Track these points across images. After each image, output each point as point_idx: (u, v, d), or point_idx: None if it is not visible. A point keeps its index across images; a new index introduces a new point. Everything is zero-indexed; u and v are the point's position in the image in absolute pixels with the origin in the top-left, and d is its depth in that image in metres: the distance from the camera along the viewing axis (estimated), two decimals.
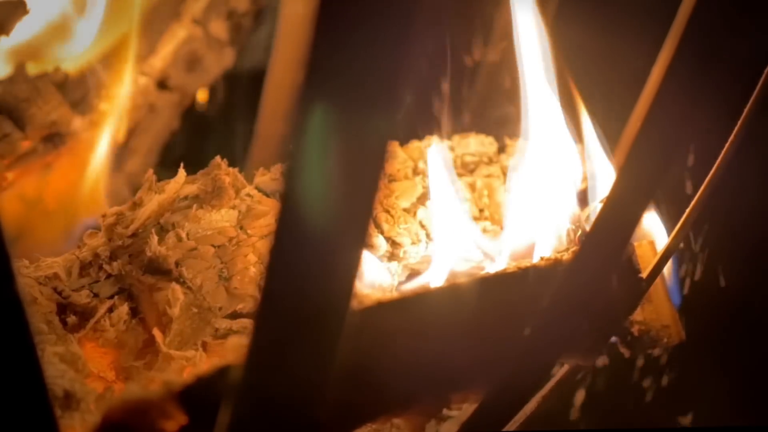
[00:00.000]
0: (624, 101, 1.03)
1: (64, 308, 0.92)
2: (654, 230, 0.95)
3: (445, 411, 0.93)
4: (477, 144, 1.10)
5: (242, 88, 1.37)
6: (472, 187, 1.06)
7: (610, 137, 1.02)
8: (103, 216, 0.96)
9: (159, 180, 0.97)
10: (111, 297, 0.93)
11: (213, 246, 0.93)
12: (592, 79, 1.07)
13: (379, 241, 0.98)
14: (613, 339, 0.92)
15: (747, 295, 1.25)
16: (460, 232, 0.99)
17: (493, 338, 0.85)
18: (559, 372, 0.94)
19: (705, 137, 0.73)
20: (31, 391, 0.66)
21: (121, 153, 1.27)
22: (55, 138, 1.16)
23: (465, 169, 1.08)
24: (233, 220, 0.95)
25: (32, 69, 1.15)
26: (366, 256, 0.95)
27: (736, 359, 1.26)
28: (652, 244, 0.92)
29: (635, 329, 0.90)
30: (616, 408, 1.24)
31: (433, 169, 1.01)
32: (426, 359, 0.82)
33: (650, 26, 0.98)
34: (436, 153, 1.01)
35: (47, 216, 1.20)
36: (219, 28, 1.32)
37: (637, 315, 0.90)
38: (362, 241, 0.60)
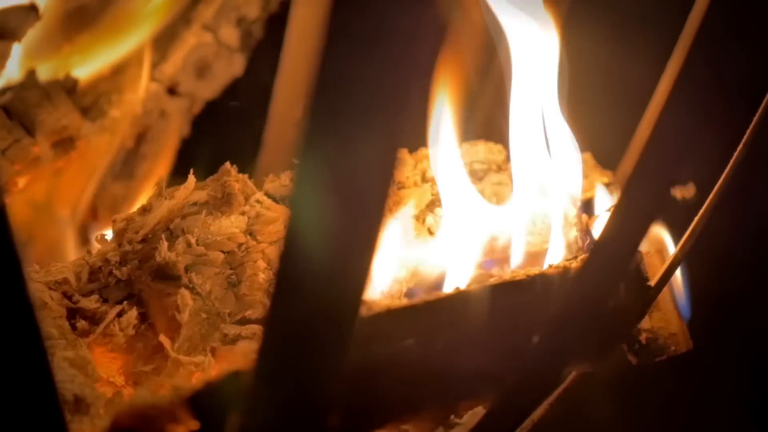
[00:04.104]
0: (633, 111, 1.04)
1: (73, 313, 0.92)
2: (662, 239, 0.95)
3: (453, 418, 0.93)
4: (486, 152, 1.10)
5: (251, 94, 1.38)
6: (481, 194, 1.06)
7: (618, 145, 1.03)
8: (113, 221, 0.96)
9: (169, 186, 0.97)
10: (120, 302, 0.93)
11: (222, 252, 0.93)
12: (600, 89, 1.07)
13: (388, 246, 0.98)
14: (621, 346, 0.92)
15: (754, 304, 1.25)
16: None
17: (501, 345, 0.85)
18: (567, 379, 0.94)
19: (714, 146, 0.73)
20: (41, 395, 0.66)
21: (130, 159, 1.27)
22: (65, 143, 1.16)
23: (474, 176, 1.08)
24: (242, 226, 0.95)
25: (43, 75, 1.16)
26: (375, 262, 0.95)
27: (742, 367, 1.26)
28: (660, 252, 0.92)
29: (643, 337, 0.90)
30: (618, 416, 1.24)
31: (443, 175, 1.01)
32: (434, 366, 0.82)
33: (659, 39, 0.98)
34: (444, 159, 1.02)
35: (57, 221, 1.21)
36: (229, 34, 1.32)
37: (645, 323, 0.90)
38: (372, 248, 0.61)
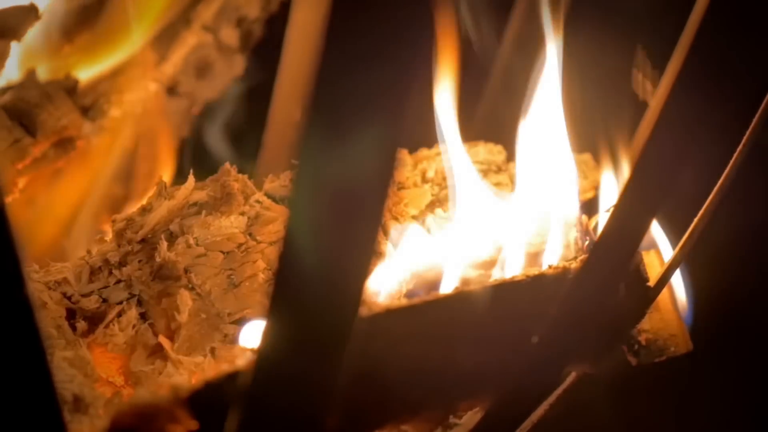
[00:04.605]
0: (633, 112, 1.04)
1: (73, 313, 0.92)
2: (662, 240, 0.95)
3: (452, 418, 0.93)
4: (485, 152, 1.10)
5: (252, 94, 1.38)
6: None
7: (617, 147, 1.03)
8: (113, 221, 0.96)
9: (168, 186, 0.97)
10: (120, 302, 0.93)
11: (222, 252, 0.94)
12: (600, 90, 1.07)
13: (388, 248, 0.98)
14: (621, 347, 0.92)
15: (754, 305, 1.25)
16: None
17: (500, 345, 0.85)
18: (567, 380, 0.94)
19: (713, 148, 0.74)
20: (40, 395, 0.66)
21: (131, 159, 1.27)
22: (65, 143, 1.16)
23: None
24: (242, 226, 0.95)
25: (43, 75, 1.16)
26: (375, 263, 0.95)
27: (742, 368, 1.26)
28: (659, 253, 0.92)
29: (642, 338, 0.90)
30: (617, 417, 1.24)
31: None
32: (434, 366, 0.82)
33: (659, 39, 0.98)
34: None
35: (57, 221, 1.21)
36: (229, 35, 1.32)
37: (645, 324, 0.90)
38: (371, 248, 0.61)
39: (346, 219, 0.60)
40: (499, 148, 1.11)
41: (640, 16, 1.20)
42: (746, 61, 0.68)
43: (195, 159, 1.34)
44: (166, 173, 1.27)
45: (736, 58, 0.68)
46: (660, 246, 0.94)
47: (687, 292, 0.95)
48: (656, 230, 0.95)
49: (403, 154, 1.05)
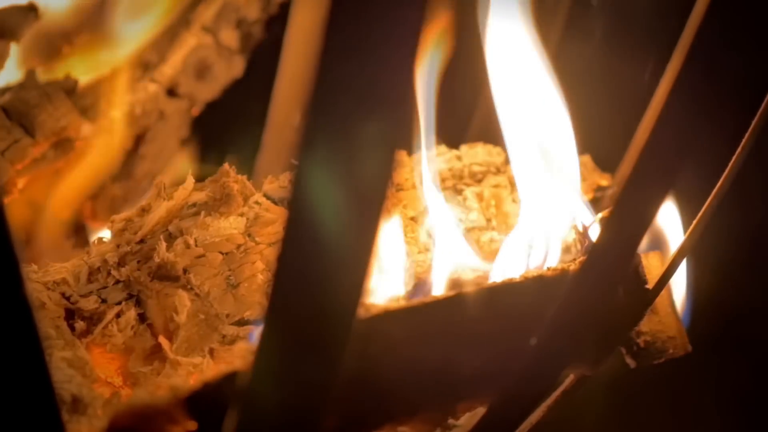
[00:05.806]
0: (632, 113, 1.04)
1: (72, 313, 0.92)
2: (661, 240, 0.95)
3: (450, 420, 0.93)
4: (485, 154, 1.10)
5: (251, 95, 1.38)
6: (480, 196, 1.06)
7: (617, 148, 1.03)
8: (112, 222, 0.96)
9: (167, 186, 0.97)
10: (119, 303, 0.93)
11: (221, 253, 0.94)
12: (599, 92, 1.07)
13: (387, 248, 0.98)
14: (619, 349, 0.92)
15: (752, 307, 1.25)
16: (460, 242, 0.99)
17: (499, 347, 0.85)
18: (565, 382, 0.94)
19: (713, 149, 0.74)
20: (38, 395, 0.66)
21: (130, 159, 1.27)
22: (64, 144, 1.16)
23: (473, 178, 1.08)
24: (241, 227, 0.95)
25: (43, 75, 1.16)
26: (373, 264, 0.95)
27: (740, 370, 1.26)
28: (658, 255, 0.92)
29: (641, 340, 0.90)
30: (616, 419, 1.24)
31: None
32: (432, 368, 0.82)
33: (658, 41, 0.99)
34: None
35: (56, 221, 1.21)
36: (229, 36, 1.32)
37: (643, 326, 0.90)
38: (369, 249, 0.61)
39: (345, 220, 0.60)
40: (498, 149, 1.11)
41: (639, 15, 1.20)
42: (746, 61, 0.68)
43: (194, 160, 1.34)
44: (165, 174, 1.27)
45: (736, 57, 0.68)
46: (662, 245, 0.94)
47: (686, 293, 0.95)
48: (657, 230, 0.95)
49: (402, 156, 1.05)
